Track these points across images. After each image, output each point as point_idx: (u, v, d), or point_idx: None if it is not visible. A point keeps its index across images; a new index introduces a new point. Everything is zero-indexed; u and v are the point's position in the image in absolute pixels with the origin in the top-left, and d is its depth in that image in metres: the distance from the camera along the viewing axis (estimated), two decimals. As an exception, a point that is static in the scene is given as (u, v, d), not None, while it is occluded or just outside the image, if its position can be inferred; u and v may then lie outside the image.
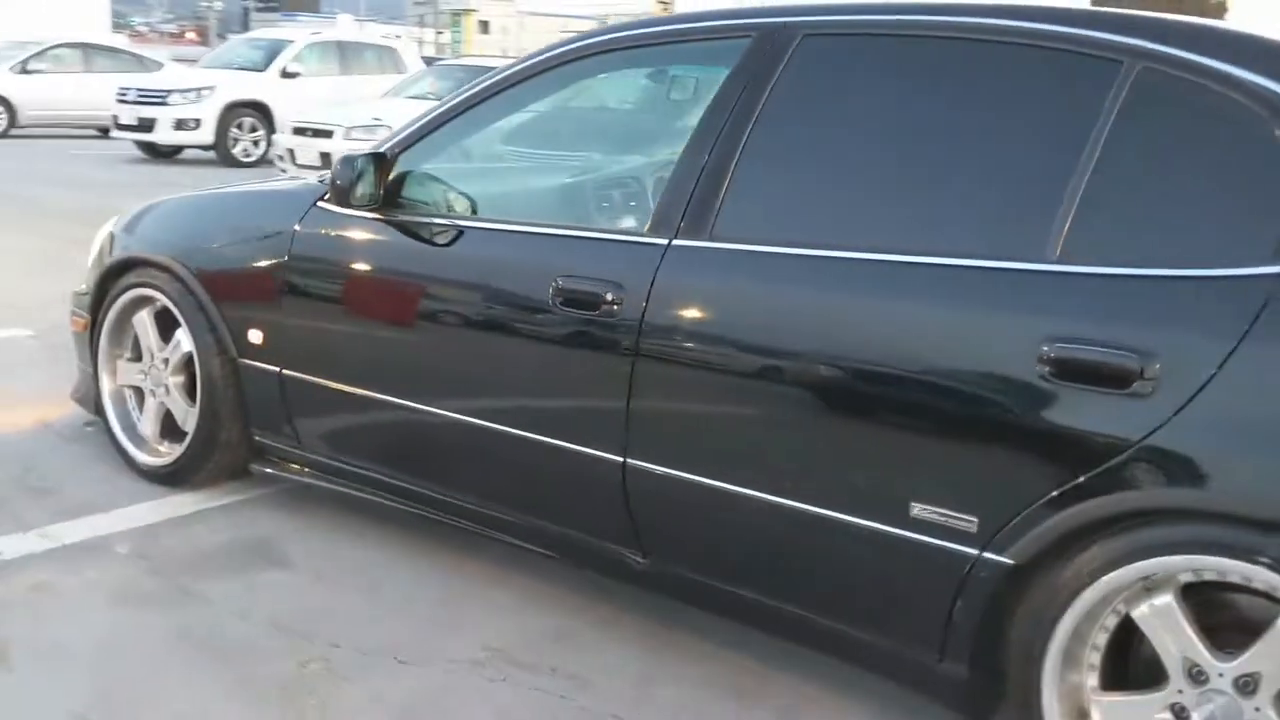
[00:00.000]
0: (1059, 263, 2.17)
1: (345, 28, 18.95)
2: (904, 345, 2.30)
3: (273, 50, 15.92)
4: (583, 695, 2.66)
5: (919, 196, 2.44)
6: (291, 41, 16.26)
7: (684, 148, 2.71)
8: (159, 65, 18.99)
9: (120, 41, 38.18)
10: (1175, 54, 2.19)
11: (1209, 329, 2.00)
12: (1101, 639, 2.17)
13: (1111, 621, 2.16)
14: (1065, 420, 2.10)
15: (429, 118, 3.22)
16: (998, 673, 2.26)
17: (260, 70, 15.51)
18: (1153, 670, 2.12)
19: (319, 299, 3.28)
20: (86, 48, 19.37)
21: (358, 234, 3.19)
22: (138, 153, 15.70)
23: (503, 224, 3.04)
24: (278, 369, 3.39)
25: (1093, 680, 2.19)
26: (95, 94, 16.96)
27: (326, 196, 3.24)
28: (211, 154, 15.10)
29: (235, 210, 3.73)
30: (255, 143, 15.17)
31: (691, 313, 2.58)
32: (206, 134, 14.88)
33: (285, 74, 15.41)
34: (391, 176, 3.16)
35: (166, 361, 3.69)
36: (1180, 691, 2.07)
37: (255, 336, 3.42)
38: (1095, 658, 2.18)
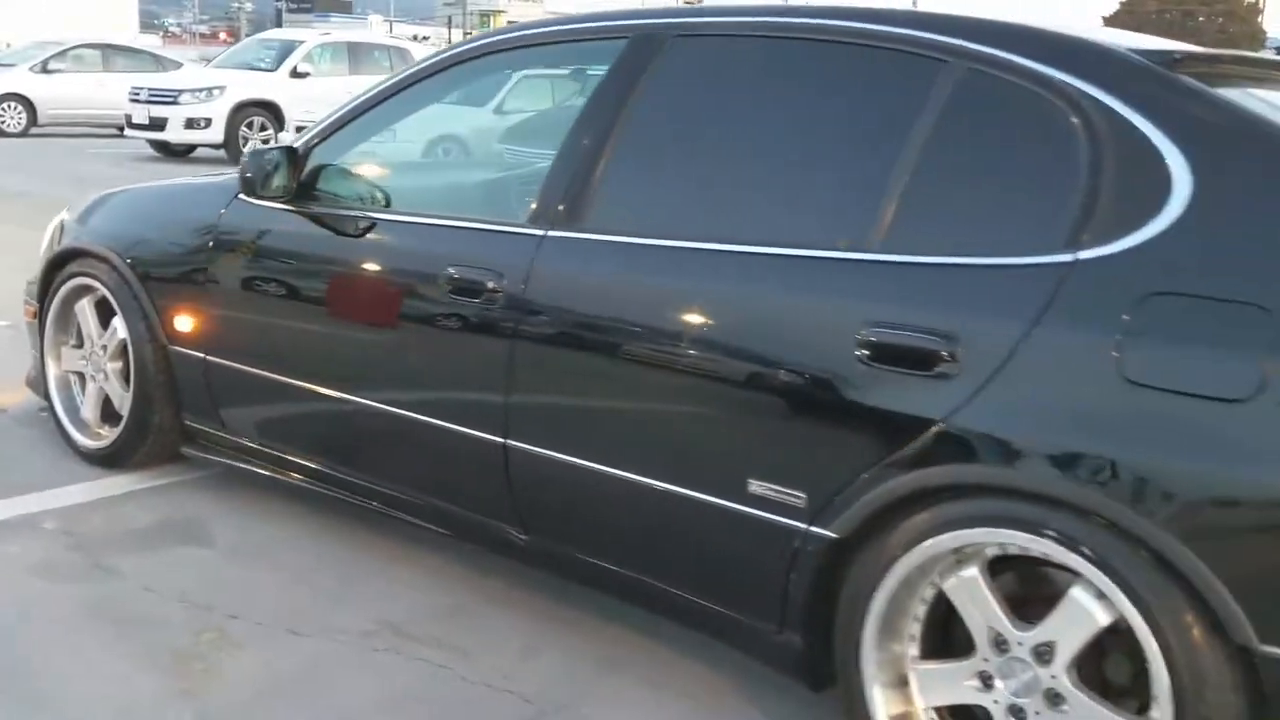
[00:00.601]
0: (880, 252, 2.28)
1: (368, 28, 19.29)
2: (744, 330, 2.42)
3: (284, 51, 16.16)
4: (461, 665, 2.78)
5: (760, 189, 2.56)
6: (302, 42, 16.48)
7: (562, 143, 2.83)
8: (178, 65, 19.29)
9: (153, 42, 38.66)
10: (994, 54, 2.29)
11: (1005, 315, 2.10)
12: (921, 610, 2.28)
13: (929, 593, 2.26)
14: (880, 401, 2.21)
15: (340, 114, 3.36)
16: (830, 643, 2.37)
17: (271, 70, 15.74)
18: (967, 640, 2.22)
19: (236, 288, 3.41)
20: (106, 48, 19.71)
21: (271, 225, 3.34)
22: (152, 151, 15.96)
23: (404, 216, 3.16)
24: (202, 355, 3.53)
25: (913, 650, 2.29)
26: (113, 93, 17.24)
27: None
28: (222, 153, 15.32)
29: (168, 203, 3.88)
30: (265, 141, 15.38)
31: (562, 300, 2.71)
32: (216, 133, 15.13)
33: (295, 74, 15.64)
34: (306, 169, 3.30)
35: (105, 348, 3.84)
36: (986, 660, 2.18)
37: (182, 324, 3.57)
38: (915, 628, 2.29)
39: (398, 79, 3.31)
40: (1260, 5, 68.17)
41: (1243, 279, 1.95)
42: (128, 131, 15.91)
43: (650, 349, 2.55)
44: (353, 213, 3.20)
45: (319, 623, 2.94)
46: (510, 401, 2.78)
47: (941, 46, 2.36)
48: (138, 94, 15.46)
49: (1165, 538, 1.91)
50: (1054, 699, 2.10)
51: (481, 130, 10.35)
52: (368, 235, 3.14)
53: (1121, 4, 65.61)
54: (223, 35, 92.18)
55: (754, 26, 2.68)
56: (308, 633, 2.89)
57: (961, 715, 2.27)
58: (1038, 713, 2.11)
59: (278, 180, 3.25)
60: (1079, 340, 2.04)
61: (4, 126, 18.04)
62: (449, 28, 69.08)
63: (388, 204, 3.22)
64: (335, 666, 2.75)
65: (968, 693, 2.21)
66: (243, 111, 15.30)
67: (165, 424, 3.72)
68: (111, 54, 19.51)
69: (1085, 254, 2.07)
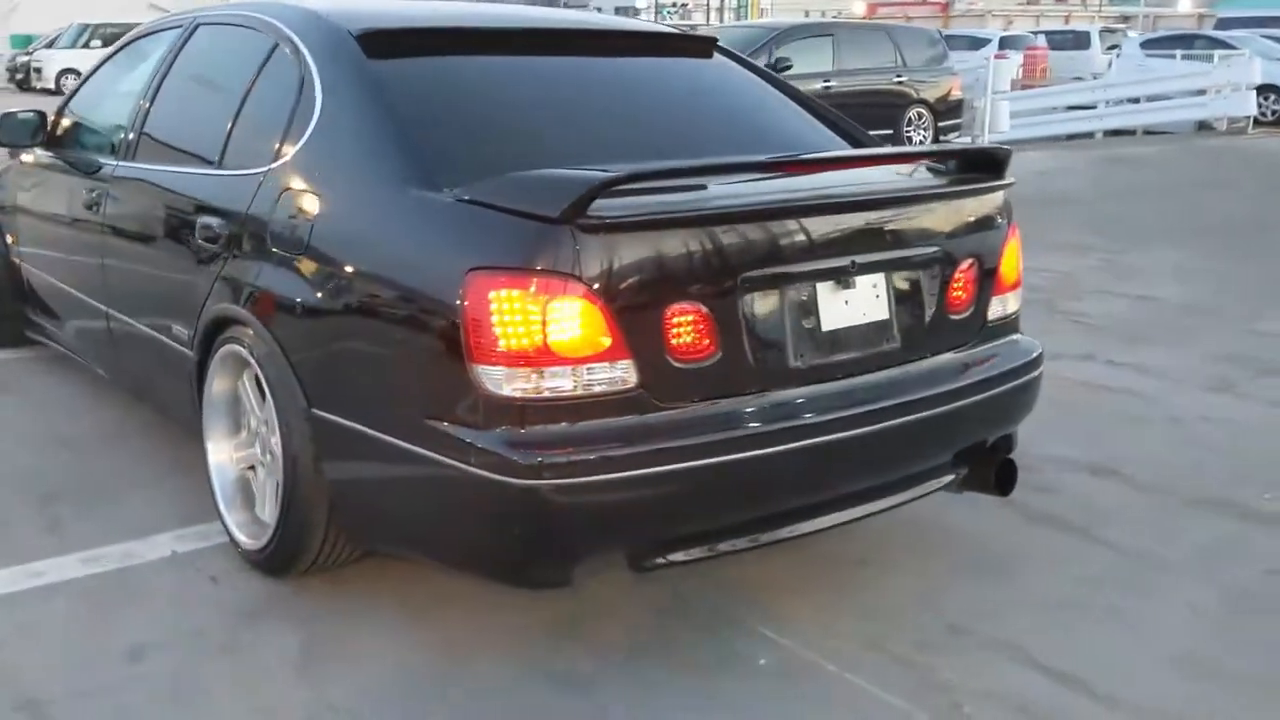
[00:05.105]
0: (214, 169, 3.46)
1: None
2: (164, 226, 3.65)
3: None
4: (68, 455, 4.11)
5: (186, 128, 3.77)
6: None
7: (134, 100, 4.08)
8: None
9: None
10: (281, 28, 3.39)
11: (237, 207, 3.22)
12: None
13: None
14: (204, 265, 3.36)
15: (78, 83, 4.74)
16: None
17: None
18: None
19: (27, 214, 4.85)
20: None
21: (38, 165, 4.75)
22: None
23: (86, 153, 4.46)
24: (19, 263, 4.99)
25: (245, 432, 3.44)
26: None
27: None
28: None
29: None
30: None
31: (118, 207, 3.97)
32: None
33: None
34: (61, 125, 4.69)
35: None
36: (254, 429, 3.31)
37: (10, 240, 5.05)
38: (254, 421, 3.43)
39: (104, 57, 4.65)
40: None
41: (315, 181, 3.02)
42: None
43: (138, 241, 3.81)
44: (71, 155, 4.56)
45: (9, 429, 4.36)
46: (105, 279, 4.08)
47: (267, 25, 3.48)
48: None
49: (273, 341, 3.02)
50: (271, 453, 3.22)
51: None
52: (76, 171, 4.48)
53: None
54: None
55: (213, 17, 3.87)
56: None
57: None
58: (265, 464, 3.24)
59: (37, 136, 4.65)
60: (259, 224, 3.14)
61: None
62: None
63: (86, 147, 4.55)
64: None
65: (252, 454, 3.34)
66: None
67: (15, 314, 5.15)
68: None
69: (272, 166, 3.18)
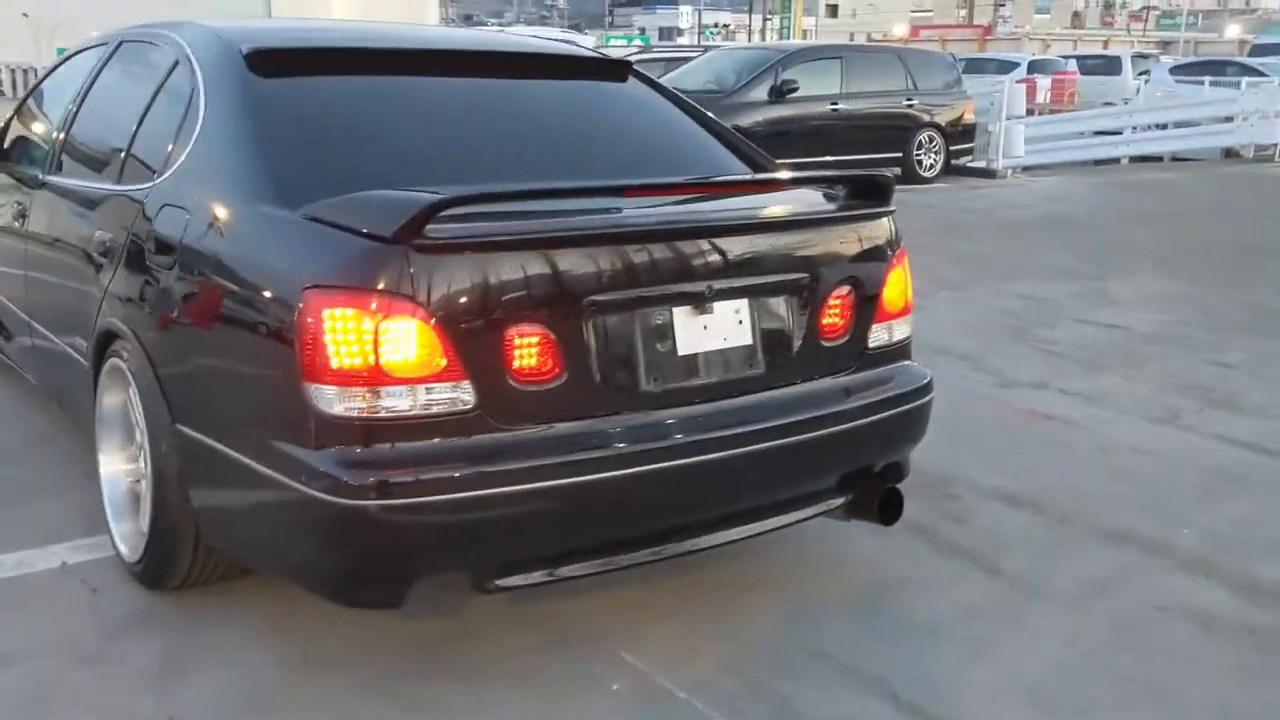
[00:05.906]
0: (112, 184, 3.50)
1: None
2: (73, 238, 3.69)
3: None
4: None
5: (87, 141, 3.81)
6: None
7: (59, 117, 4.15)
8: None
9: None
10: (183, 47, 3.44)
11: (124, 224, 3.26)
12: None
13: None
14: (98, 280, 3.40)
15: (23, 95, 4.81)
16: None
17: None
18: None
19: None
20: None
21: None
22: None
23: (19, 167, 4.53)
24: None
25: (133, 447, 3.47)
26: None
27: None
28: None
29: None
30: None
31: (39, 220, 4.04)
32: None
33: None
34: (6, 136, 4.77)
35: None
36: (138, 440, 3.34)
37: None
38: (139, 435, 3.47)
39: (46, 72, 4.72)
40: None
41: (191, 196, 3.05)
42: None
43: (54, 254, 3.86)
44: (8, 169, 4.63)
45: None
46: (27, 293, 4.14)
47: (172, 43, 3.52)
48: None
49: (144, 355, 3.06)
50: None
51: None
52: (11, 184, 4.56)
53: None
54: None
55: (134, 35, 3.93)
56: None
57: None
58: (147, 477, 3.26)
59: None
60: (141, 238, 3.18)
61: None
62: (749, 13, 70.24)
63: (19, 160, 4.62)
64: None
65: (138, 467, 3.38)
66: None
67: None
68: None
69: (155, 182, 3.22)
